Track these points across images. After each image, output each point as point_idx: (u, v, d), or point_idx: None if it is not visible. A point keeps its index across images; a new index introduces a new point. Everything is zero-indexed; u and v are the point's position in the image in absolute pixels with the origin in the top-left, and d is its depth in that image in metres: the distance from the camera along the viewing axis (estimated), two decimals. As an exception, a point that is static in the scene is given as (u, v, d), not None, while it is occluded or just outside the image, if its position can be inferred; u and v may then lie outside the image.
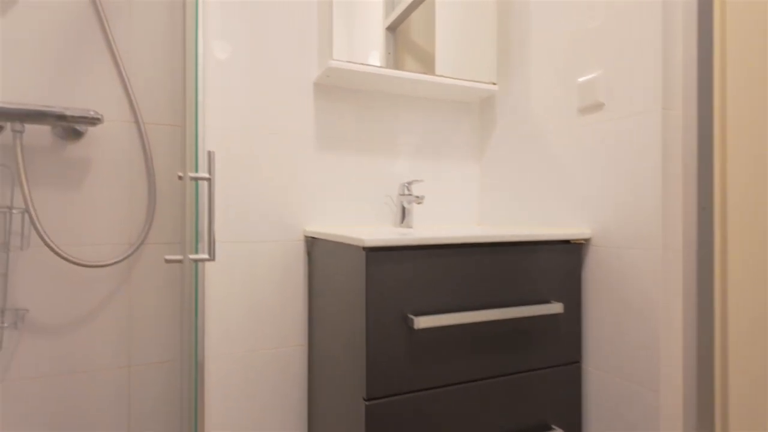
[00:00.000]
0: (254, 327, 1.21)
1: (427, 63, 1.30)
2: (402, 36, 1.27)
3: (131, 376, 1.11)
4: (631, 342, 0.99)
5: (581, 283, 1.11)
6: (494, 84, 1.37)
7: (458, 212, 1.51)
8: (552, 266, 1.06)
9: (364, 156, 1.37)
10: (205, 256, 0.78)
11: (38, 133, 1.03)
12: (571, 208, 1.15)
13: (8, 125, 0.99)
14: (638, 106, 0.98)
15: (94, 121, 0.99)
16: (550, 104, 1.22)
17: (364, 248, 0.88)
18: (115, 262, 1.04)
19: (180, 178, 0.75)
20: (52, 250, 0.96)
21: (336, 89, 1.33)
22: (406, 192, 1.34)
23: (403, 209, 1.35)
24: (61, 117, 0.96)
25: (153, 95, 1.14)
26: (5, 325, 0.94)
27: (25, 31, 1.02)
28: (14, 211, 0.99)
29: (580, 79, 1.11)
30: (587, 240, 1.10)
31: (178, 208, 1.16)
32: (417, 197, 1.27)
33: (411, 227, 1.35)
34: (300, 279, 1.27)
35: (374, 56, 1.23)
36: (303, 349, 1.27)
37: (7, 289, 1.00)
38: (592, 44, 1.08)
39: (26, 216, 1.00)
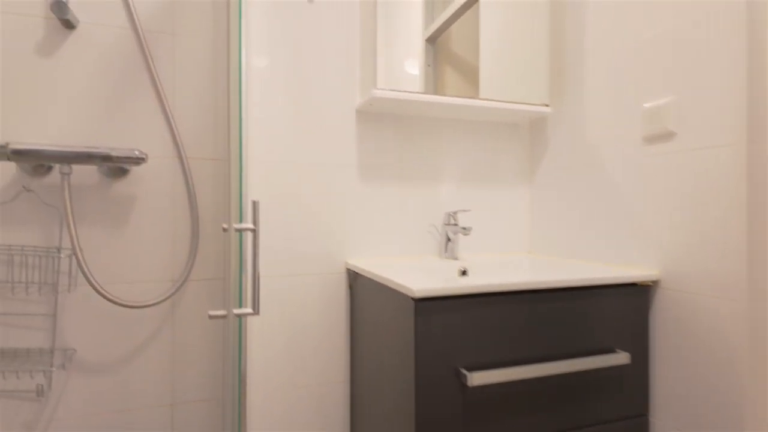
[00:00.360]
0: (295, 362, 1.18)
1: (470, 78, 1.23)
2: (442, 47, 1.21)
3: (174, 415, 1.10)
4: (709, 399, 0.89)
5: (648, 329, 1.01)
6: (546, 106, 1.29)
7: (506, 239, 1.43)
8: (616, 311, 0.97)
9: (407, 183, 1.31)
10: (249, 310, 0.75)
11: (85, 171, 1.04)
12: (633, 244, 1.05)
13: (56, 166, 0.99)
14: (718, 137, 0.88)
15: (138, 160, 0.98)
16: (610, 130, 1.12)
17: (414, 299, 0.82)
18: (158, 302, 1.03)
19: (225, 230, 0.72)
20: (98, 292, 0.96)
21: (378, 115, 1.28)
22: (452, 222, 1.28)
23: (448, 239, 1.28)
24: (107, 158, 0.96)
25: (195, 130, 1.12)
26: (53, 368, 0.95)
27: (70, 70, 1.02)
28: (62, 255, 0.99)
29: (646, 105, 1.02)
30: (655, 282, 1.00)
31: (220, 243, 1.14)
32: (464, 229, 1.21)
33: (457, 258, 1.28)
34: (342, 314, 1.22)
35: (412, 65, 1.17)
36: (345, 387, 1.23)
37: (56, 329, 1.00)
38: (660, 62, 0.99)
39: (74, 258, 1.00)
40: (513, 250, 1.44)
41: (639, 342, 0.99)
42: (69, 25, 1.00)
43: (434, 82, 1.20)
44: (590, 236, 1.19)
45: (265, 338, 1.14)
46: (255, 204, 0.75)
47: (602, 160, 1.15)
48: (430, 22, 1.20)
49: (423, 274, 0.95)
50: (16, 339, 0.99)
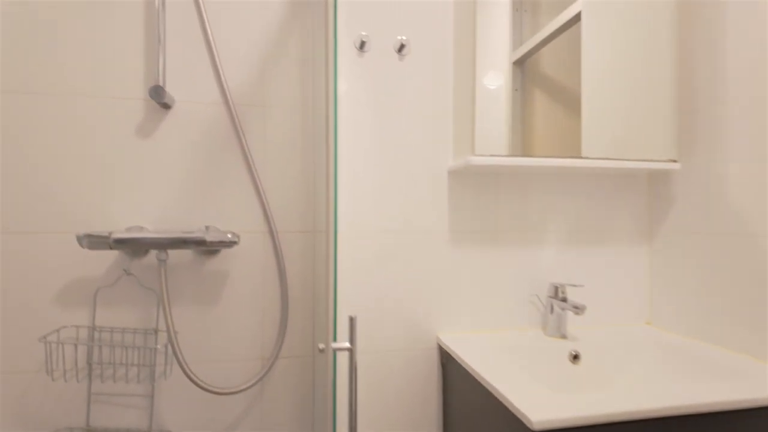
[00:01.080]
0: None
1: (569, 105, 1.07)
2: (532, 69, 1.07)
3: (263, 498, 1.07)
4: None
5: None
6: (674, 161, 1.10)
7: (620, 307, 1.24)
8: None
9: (505, 247, 1.18)
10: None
11: (180, 251, 1.03)
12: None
13: (153, 252, 1.00)
14: None
15: (231, 244, 0.95)
16: (764, 192, 0.92)
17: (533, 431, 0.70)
18: (249, 387, 1.00)
19: (321, 350, 0.65)
20: (192, 380, 0.94)
21: (473, 175, 1.17)
22: (560, 295, 1.13)
23: (553, 311, 1.13)
24: (201, 242, 0.94)
25: (285, 203, 1.09)
26: (150, 455, 0.94)
27: (167, 149, 1.03)
28: (158, 346, 0.99)
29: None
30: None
31: (309, 319, 1.09)
32: (575, 308, 1.05)
33: (564, 336, 1.12)
34: (433, 398, 1.12)
35: (498, 81, 1.04)
36: (438, 476, 1.12)
37: (153, 410, 1.00)
38: None
39: (169, 346, 1.00)
40: (629, 321, 1.25)
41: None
42: (166, 105, 1.00)
43: (522, 104, 1.06)
44: (732, 317, 0.99)
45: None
46: (352, 321, 0.68)
47: (753, 231, 0.94)
48: (519, 44, 1.06)
49: (528, 362, 0.83)
50: (115, 418, 1.00)
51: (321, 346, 0.66)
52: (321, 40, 1.05)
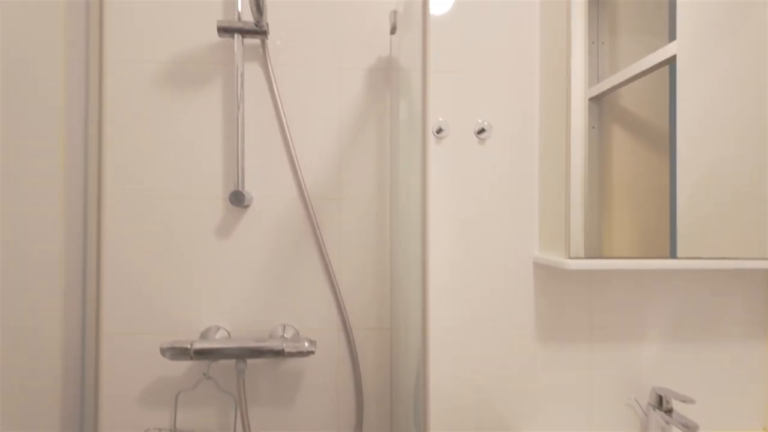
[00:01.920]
0: None
1: (656, 146, 0.95)
2: (610, 104, 0.96)
3: None
4: None
5: None
6: (804, 258, 0.95)
7: (733, 410, 1.09)
8: None
9: (598, 344, 1.08)
10: None
11: (257, 350, 1.02)
12: None
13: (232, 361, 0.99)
14: None
15: (307, 354, 0.92)
16: None
17: None
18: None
19: None
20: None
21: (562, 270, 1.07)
22: (665, 406, 1.00)
23: (656, 423, 1.01)
24: (279, 353, 0.92)
25: (360, 300, 1.05)
26: None
27: (244, 248, 1.02)
28: None
29: None
30: None
31: (385, 418, 1.04)
32: (686, 427, 0.93)
33: (670, 451, 1.00)
34: None
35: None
36: None
37: None
38: None
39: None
40: (743, 427, 1.09)
41: None
42: (244, 206, 1.00)
43: (599, 141, 0.95)
44: None
45: None
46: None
47: None
48: (595, 79, 0.96)
49: None
50: None
51: None
52: (399, 127, 1.01)
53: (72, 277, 0.97)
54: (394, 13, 0.97)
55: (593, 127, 0.98)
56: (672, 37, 0.97)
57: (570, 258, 0.93)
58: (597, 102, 0.98)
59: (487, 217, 1.06)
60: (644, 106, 1.00)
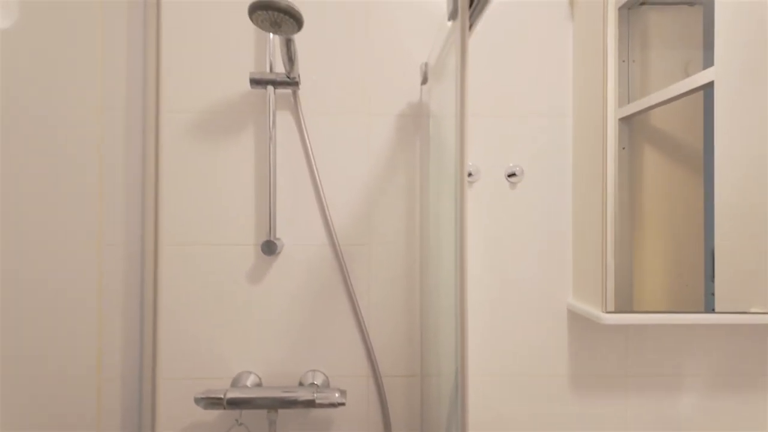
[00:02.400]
0: None
1: (687, 163, 0.92)
2: (640, 124, 0.93)
3: None
4: None
5: None
6: None
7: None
8: None
9: (633, 395, 1.04)
10: None
11: (287, 396, 1.02)
12: None
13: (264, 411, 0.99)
14: None
15: (338, 405, 0.92)
16: None
17: None
18: None
19: None
20: None
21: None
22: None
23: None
24: (310, 404, 0.92)
25: (389, 346, 1.04)
26: None
27: (274, 294, 1.03)
28: None
29: None
30: None
31: (414, 470, 1.03)
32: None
33: None
34: None
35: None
36: None
37: None
38: None
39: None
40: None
41: None
42: (275, 254, 1.01)
43: (629, 163, 0.92)
44: None
45: None
46: None
47: None
48: (626, 99, 0.93)
49: None
50: None
51: None
52: (428, 172, 1.00)
53: (130, 324, 1.01)
54: (425, 64, 0.97)
55: (623, 148, 0.96)
56: (707, 48, 0.93)
57: (606, 312, 0.90)
58: (627, 122, 0.96)
59: (519, 263, 1.05)
60: (676, 125, 0.97)
